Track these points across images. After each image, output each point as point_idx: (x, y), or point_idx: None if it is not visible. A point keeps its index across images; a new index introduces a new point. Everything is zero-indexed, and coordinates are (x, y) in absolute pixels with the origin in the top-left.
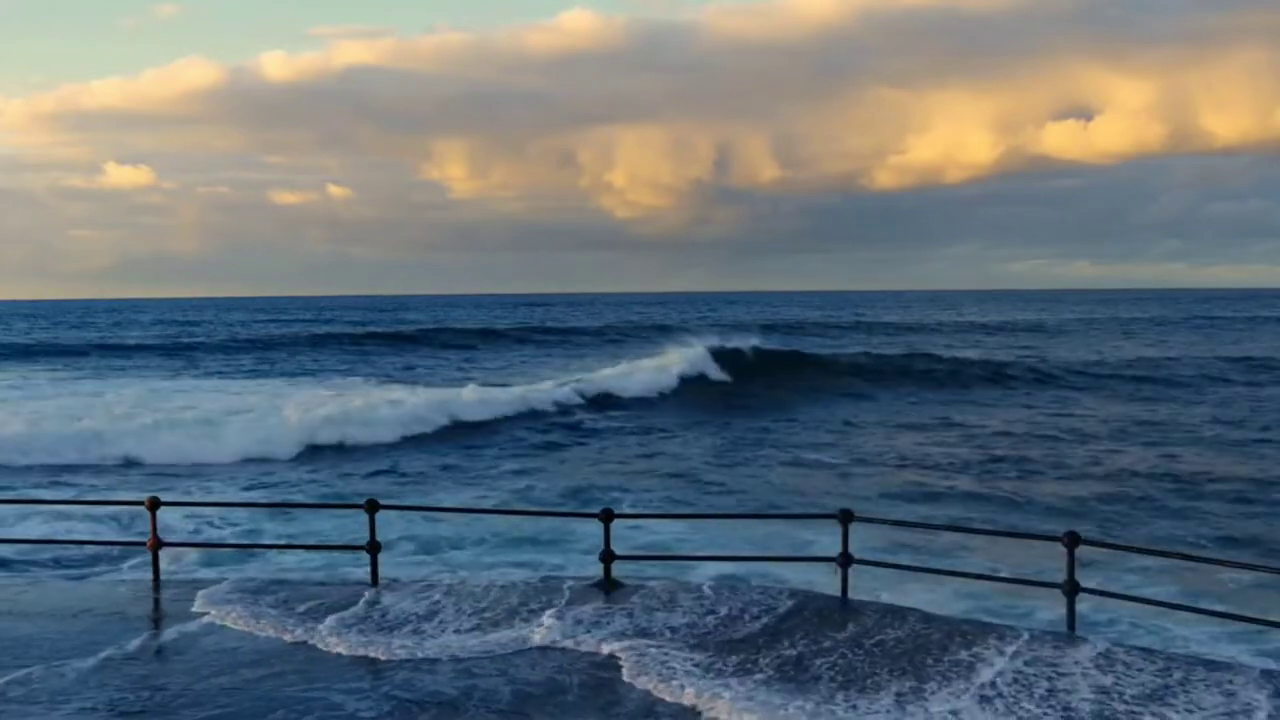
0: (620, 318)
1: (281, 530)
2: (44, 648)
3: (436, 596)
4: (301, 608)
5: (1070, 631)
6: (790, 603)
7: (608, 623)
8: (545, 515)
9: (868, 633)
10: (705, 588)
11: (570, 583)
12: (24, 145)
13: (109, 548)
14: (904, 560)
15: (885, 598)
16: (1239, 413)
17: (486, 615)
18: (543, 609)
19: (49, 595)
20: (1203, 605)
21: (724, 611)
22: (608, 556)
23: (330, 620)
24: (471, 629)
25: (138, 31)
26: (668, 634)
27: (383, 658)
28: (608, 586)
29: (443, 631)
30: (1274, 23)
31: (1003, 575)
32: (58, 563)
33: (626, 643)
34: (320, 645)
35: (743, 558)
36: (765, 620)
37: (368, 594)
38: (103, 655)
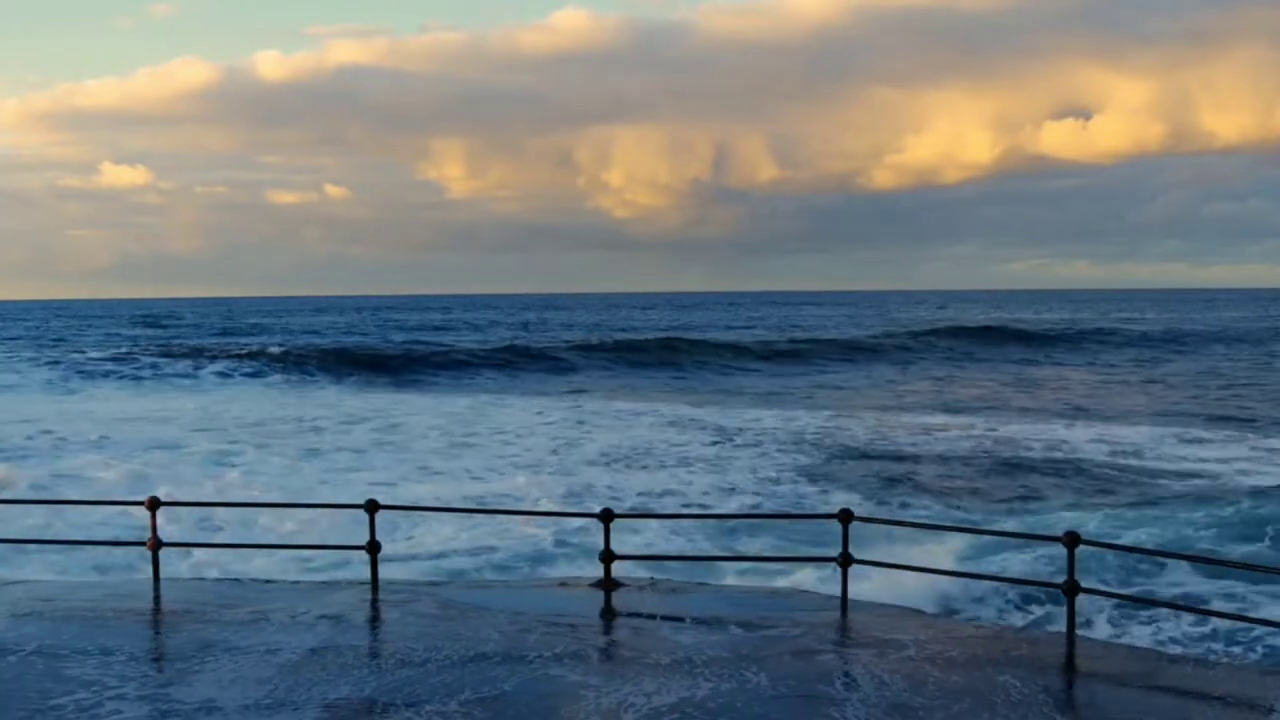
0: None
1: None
2: None
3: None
4: None
5: (1070, 631)
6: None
7: None
8: (544, 515)
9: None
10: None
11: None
12: (19, 145)
13: None
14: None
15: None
16: None
17: None
18: None
19: None
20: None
21: None
22: (608, 557)
23: None
24: None
25: (133, 31)
26: None
27: None
28: (608, 586)
29: None
30: (1274, 22)
31: (1003, 575)
32: None
33: None
34: None
35: (743, 558)
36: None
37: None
38: None
